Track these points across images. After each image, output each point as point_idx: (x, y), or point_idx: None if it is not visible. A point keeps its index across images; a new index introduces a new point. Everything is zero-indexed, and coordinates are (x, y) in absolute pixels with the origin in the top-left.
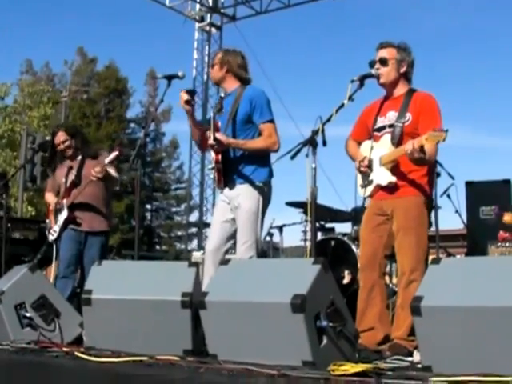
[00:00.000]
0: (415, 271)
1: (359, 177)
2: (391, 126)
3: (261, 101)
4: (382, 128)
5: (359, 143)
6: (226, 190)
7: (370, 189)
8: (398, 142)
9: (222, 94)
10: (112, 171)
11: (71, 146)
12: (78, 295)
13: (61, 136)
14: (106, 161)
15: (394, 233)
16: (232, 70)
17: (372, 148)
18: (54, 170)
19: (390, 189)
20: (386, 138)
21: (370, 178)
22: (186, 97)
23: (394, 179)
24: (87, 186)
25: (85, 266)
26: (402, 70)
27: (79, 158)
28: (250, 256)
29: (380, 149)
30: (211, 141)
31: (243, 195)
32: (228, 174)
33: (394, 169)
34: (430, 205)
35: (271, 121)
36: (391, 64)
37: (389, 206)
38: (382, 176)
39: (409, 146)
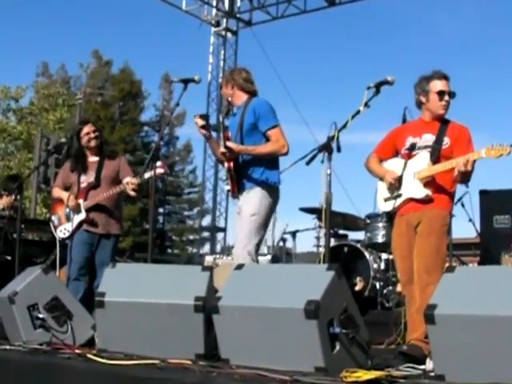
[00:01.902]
0: (432, 274)
1: (384, 190)
2: (428, 146)
3: (264, 109)
4: (417, 148)
5: (381, 160)
6: (239, 197)
7: (398, 201)
8: (435, 160)
9: (204, 123)
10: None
11: (98, 138)
12: (88, 296)
13: (90, 126)
14: (146, 175)
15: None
16: (238, 86)
17: (406, 165)
18: (74, 167)
19: (420, 202)
20: (425, 155)
21: (399, 192)
22: (200, 122)
23: (430, 192)
24: (107, 190)
25: (96, 268)
26: None
27: (96, 159)
28: (245, 259)
29: (416, 164)
30: (222, 149)
31: (247, 200)
32: (239, 182)
33: (429, 184)
34: (451, 219)
35: (276, 126)
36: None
37: (416, 218)
38: (416, 189)
39: (463, 159)
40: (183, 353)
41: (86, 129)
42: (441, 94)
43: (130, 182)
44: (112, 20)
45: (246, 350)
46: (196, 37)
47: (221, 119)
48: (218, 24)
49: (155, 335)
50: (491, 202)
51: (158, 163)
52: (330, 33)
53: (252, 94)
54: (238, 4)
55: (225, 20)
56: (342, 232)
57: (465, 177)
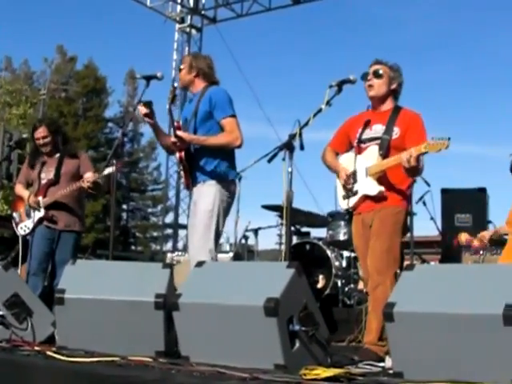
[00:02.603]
0: (382, 275)
1: (341, 188)
2: (377, 138)
3: (220, 98)
4: (367, 140)
5: (337, 153)
6: (193, 190)
7: (354, 200)
8: (385, 153)
9: (176, 84)
10: (101, 182)
11: (50, 143)
12: (48, 293)
13: (42, 131)
14: (105, 172)
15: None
16: (201, 74)
17: (356, 159)
18: (32, 164)
19: (374, 200)
20: (373, 150)
21: (355, 189)
22: (144, 110)
23: (383, 188)
24: (66, 187)
25: (56, 264)
26: (393, 87)
27: (57, 155)
28: (201, 256)
29: (366, 160)
30: (173, 138)
31: (201, 194)
32: (192, 174)
33: (381, 180)
34: (407, 214)
35: (232, 116)
36: (384, 78)
37: (370, 217)
38: (369, 186)
39: (406, 154)
40: (144, 350)
41: (37, 134)
42: (365, 76)
43: (85, 178)
44: (77, 15)
45: (206, 347)
46: (160, 33)
47: (167, 106)
48: (182, 21)
49: (116, 332)
50: (453, 200)
51: (114, 161)
52: (294, 30)
53: (212, 83)
54: (203, 1)
55: (189, 17)
56: (304, 230)
57: (412, 172)
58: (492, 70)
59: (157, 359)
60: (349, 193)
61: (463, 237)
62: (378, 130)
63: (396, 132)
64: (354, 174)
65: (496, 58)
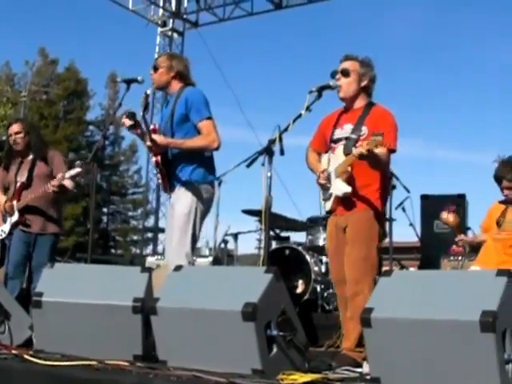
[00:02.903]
0: (360, 283)
1: (321, 191)
2: (346, 138)
3: (196, 99)
4: (339, 140)
5: (319, 154)
6: (171, 194)
7: (330, 202)
8: (350, 153)
9: (148, 91)
10: (69, 185)
11: (23, 141)
12: (25, 297)
13: (15, 127)
14: (67, 175)
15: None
16: (178, 75)
17: (329, 160)
18: (7, 166)
19: (346, 203)
20: (340, 150)
21: (330, 192)
22: (128, 123)
23: (349, 189)
24: (39, 189)
25: (33, 267)
26: (363, 83)
27: (30, 157)
28: (177, 260)
29: (335, 161)
30: (148, 142)
31: (178, 198)
32: (170, 177)
33: (349, 181)
34: (383, 219)
35: (209, 118)
36: (352, 76)
37: (343, 221)
38: (337, 187)
39: (356, 150)
40: (121, 354)
41: (10, 130)
42: (333, 75)
43: (51, 182)
44: (59, 18)
45: (183, 351)
46: (142, 37)
47: (140, 113)
48: (164, 24)
49: (93, 336)
50: (432, 206)
51: (77, 163)
52: (277, 35)
53: (188, 84)
54: (185, 5)
55: (171, 20)
56: (284, 234)
57: (375, 164)
58: (474, 75)
59: (134, 363)
60: (326, 195)
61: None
62: (347, 129)
63: (364, 131)
64: (328, 176)
65: (479, 63)
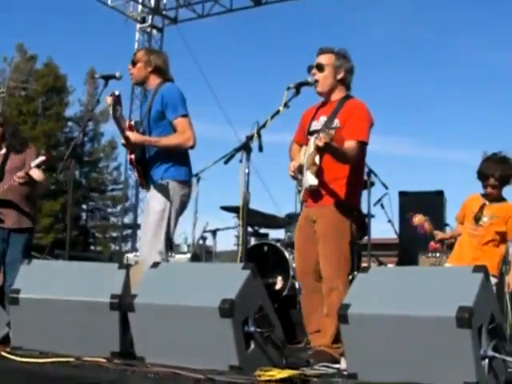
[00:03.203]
0: (335, 279)
1: (296, 182)
2: (320, 130)
3: (172, 96)
4: (314, 132)
5: (301, 146)
6: (148, 191)
7: (302, 193)
8: None
9: (117, 92)
10: (36, 176)
11: None
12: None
13: None
14: (32, 164)
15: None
16: (156, 70)
17: (304, 152)
18: None
19: (315, 196)
20: (311, 142)
21: (302, 183)
22: (109, 100)
23: (315, 182)
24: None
25: (7, 264)
26: (339, 76)
27: (3, 151)
28: (151, 257)
29: (307, 152)
30: (122, 140)
31: (154, 194)
32: (147, 174)
33: (317, 173)
34: (357, 214)
35: (185, 116)
36: (328, 70)
37: (314, 214)
38: (306, 179)
39: (314, 142)
40: (99, 351)
41: None
42: (309, 70)
43: (17, 173)
44: (37, 14)
45: (161, 348)
46: (122, 33)
47: (111, 112)
48: (143, 20)
49: (71, 333)
50: (410, 203)
51: (42, 151)
52: (256, 31)
53: (166, 80)
54: (164, 1)
55: (150, 17)
56: (263, 231)
57: (340, 158)
58: (452, 72)
59: (112, 360)
60: (299, 187)
61: (417, 218)
62: (322, 121)
63: (336, 124)
64: (301, 168)
65: (457, 60)
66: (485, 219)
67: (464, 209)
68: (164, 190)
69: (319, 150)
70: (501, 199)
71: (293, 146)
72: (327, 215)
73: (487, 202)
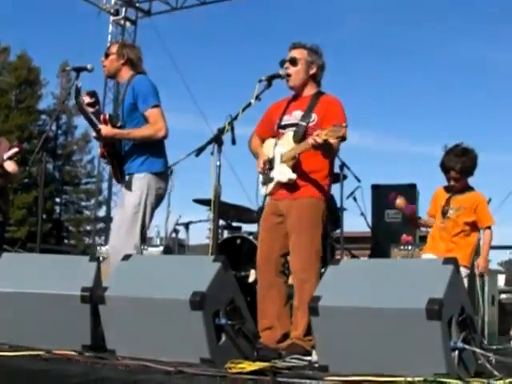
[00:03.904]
0: (307, 271)
1: (261, 175)
2: (296, 124)
3: (143, 88)
4: (287, 126)
5: (263, 140)
6: (123, 184)
7: (270, 186)
8: (300, 140)
9: (79, 84)
10: (9, 167)
11: None
12: None
13: None
14: (5, 156)
15: (288, 233)
16: (129, 62)
17: (275, 145)
18: None
19: (289, 188)
20: (289, 136)
21: (271, 176)
22: (87, 100)
23: (294, 176)
24: None
25: None
26: (312, 71)
27: None
28: (126, 251)
29: (282, 146)
30: (93, 133)
31: (129, 189)
32: (121, 167)
33: (295, 167)
34: (329, 206)
35: (156, 106)
36: (301, 64)
37: (284, 206)
38: (282, 173)
39: (311, 140)
40: (70, 344)
41: None
42: (282, 64)
43: None
44: (9, 5)
45: (132, 340)
46: (95, 25)
47: (78, 108)
48: (117, 13)
49: (42, 326)
50: (383, 196)
51: (15, 143)
52: (230, 24)
53: (139, 73)
54: None
55: (124, 9)
56: (235, 224)
57: (328, 153)
58: (428, 68)
59: (82, 353)
60: (266, 179)
61: (400, 200)
62: (297, 116)
63: (313, 118)
64: (271, 161)
65: (431, 56)
66: (451, 212)
67: (434, 202)
68: (139, 184)
69: (315, 148)
70: (466, 189)
71: (254, 139)
72: (302, 207)
73: (453, 195)
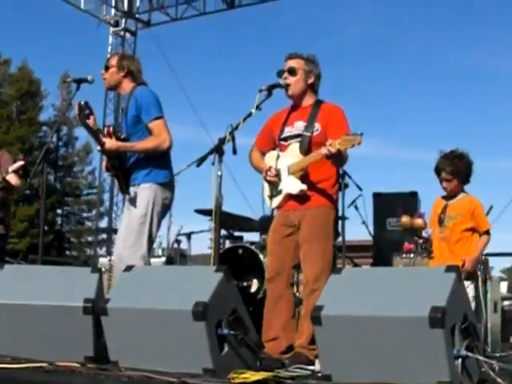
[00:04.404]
0: (318, 281)
1: (266, 187)
2: (299, 135)
3: (146, 99)
4: (289, 137)
5: (263, 153)
6: (128, 195)
7: (278, 199)
8: (306, 151)
9: (82, 102)
10: (12, 180)
11: None
12: None
13: None
14: (10, 170)
15: (300, 243)
16: (129, 74)
17: (278, 157)
18: None
19: (299, 199)
20: (295, 148)
21: (279, 188)
22: (77, 110)
23: (304, 187)
24: None
25: None
26: (310, 81)
27: None
28: (134, 261)
29: (287, 158)
30: (98, 147)
31: (135, 200)
32: (126, 179)
33: (304, 178)
34: (337, 215)
35: (159, 118)
36: (299, 74)
37: (296, 217)
38: (291, 185)
39: (325, 150)
40: (73, 356)
41: None
42: (280, 74)
43: None
44: (10, 18)
45: (135, 352)
46: (95, 37)
47: (79, 120)
48: (116, 24)
49: (44, 338)
50: (384, 204)
51: (19, 156)
52: (230, 35)
53: (140, 84)
54: (137, 4)
55: (124, 20)
56: (237, 234)
57: (337, 162)
58: (426, 73)
59: (85, 365)
60: (273, 192)
61: (405, 219)
62: (299, 126)
63: (317, 128)
64: (277, 173)
65: (429, 62)
66: (448, 220)
67: (433, 212)
68: (145, 194)
69: (328, 157)
70: (460, 194)
71: (254, 152)
72: (313, 217)
73: (449, 201)
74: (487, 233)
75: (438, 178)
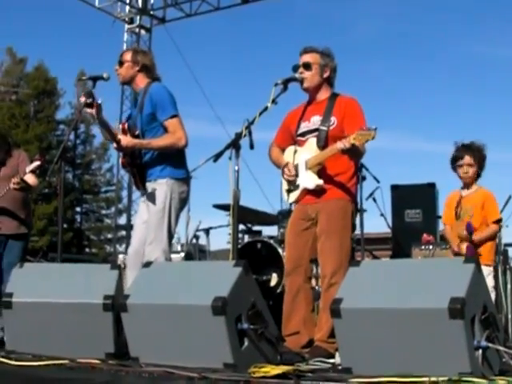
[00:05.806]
0: (336, 274)
1: (284, 182)
2: (316, 130)
3: (161, 98)
4: (307, 133)
5: (283, 149)
6: (145, 191)
7: (296, 193)
8: (323, 145)
9: (99, 101)
10: (30, 180)
11: None
12: None
13: None
14: (27, 170)
15: (317, 236)
16: (144, 69)
17: (296, 152)
18: None
19: (317, 193)
20: (312, 142)
21: (297, 183)
22: (83, 99)
23: (321, 182)
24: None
25: (4, 269)
26: (326, 74)
27: None
28: (155, 256)
29: (305, 153)
30: (115, 144)
31: (152, 195)
32: (142, 176)
33: (321, 172)
34: (355, 207)
35: (175, 116)
36: (315, 68)
37: (314, 210)
38: (308, 180)
39: (340, 144)
40: (94, 352)
41: None
42: (296, 68)
43: (12, 179)
44: (26, 17)
45: (155, 347)
46: (110, 34)
47: (97, 119)
48: (131, 21)
49: (65, 335)
50: (402, 196)
51: (36, 156)
52: (244, 29)
53: (154, 79)
54: (152, 1)
55: (138, 17)
56: (256, 228)
57: (354, 155)
58: (441, 67)
59: (106, 361)
60: (291, 187)
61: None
62: (315, 121)
63: (333, 122)
64: (295, 168)
65: (443, 55)
66: (464, 214)
67: (447, 208)
68: (163, 189)
69: (344, 152)
70: (474, 184)
71: (273, 148)
72: (331, 210)
73: (463, 194)
74: (497, 223)
75: (454, 169)
